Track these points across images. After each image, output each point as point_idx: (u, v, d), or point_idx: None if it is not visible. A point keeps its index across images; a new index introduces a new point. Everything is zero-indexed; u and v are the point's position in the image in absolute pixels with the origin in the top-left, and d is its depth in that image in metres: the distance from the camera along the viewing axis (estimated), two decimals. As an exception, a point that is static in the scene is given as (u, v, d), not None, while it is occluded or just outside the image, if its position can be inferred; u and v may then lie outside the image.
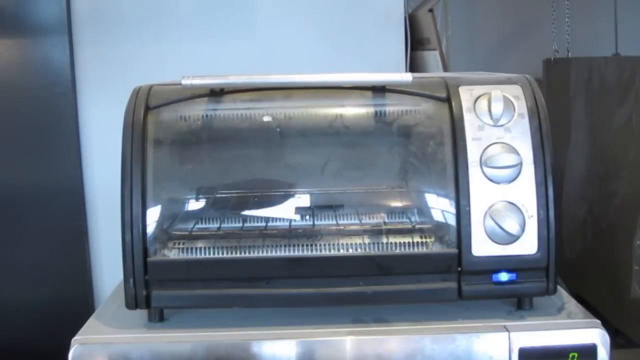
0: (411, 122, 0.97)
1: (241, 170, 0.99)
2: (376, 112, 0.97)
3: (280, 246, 0.92)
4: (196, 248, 0.92)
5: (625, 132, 1.41)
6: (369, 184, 0.99)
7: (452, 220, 0.90)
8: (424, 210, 0.96)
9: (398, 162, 0.98)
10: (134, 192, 0.88)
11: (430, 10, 1.81)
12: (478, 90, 0.93)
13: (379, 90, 0.96)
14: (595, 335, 0.87)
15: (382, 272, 0.90)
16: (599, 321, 0.89)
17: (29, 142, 1.57)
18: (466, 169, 0.90)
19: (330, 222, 0.95)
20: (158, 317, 0.93)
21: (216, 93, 0.95)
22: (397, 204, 0.99)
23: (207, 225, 0.96)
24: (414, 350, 0.86)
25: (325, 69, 0.94)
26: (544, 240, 0.89)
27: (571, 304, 0.96)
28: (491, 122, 0.91)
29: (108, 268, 1.62)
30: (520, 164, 0.90)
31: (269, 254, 0.91)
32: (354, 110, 0.98)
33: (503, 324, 0.88)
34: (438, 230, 0.92)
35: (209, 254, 0.91)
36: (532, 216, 0.89)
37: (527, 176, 0.90)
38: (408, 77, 0.92)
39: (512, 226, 0.88)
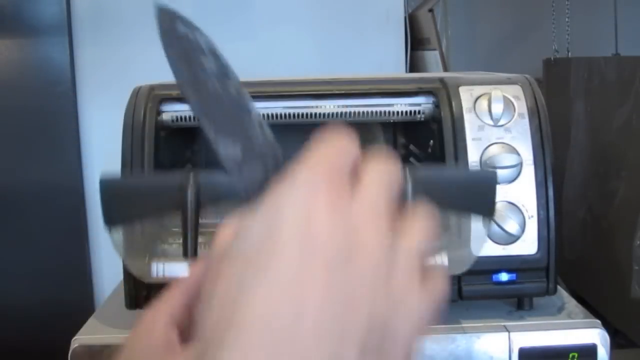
0: (411, 122, 0.97)
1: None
2: (376, 112, 0.97)
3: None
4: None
5: (625, 132, 1.41)
6: (369, 184, 0.98)
7: (452, 220, 0.90)
8: (424, 210, 0.95)
9: (398, 162, 0.98)
10: (134, 192, 0.88)
11: (430, 10, 1.81)
12: (478, 90, 0.93)
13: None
14: (595, 335, 0.86)
15: (382, 272, 0.90)
16: (599, 321, 0.89)
17: (29, 142, 1.57)
18: (466, 169, 0.90)
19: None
20: (158, 317, 0.92)
21: (216, 93, 0.94)
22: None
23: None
24: (414, 350, 0.86)
25: (325, 69, 0.94)
26: (544, 241, 0.89)
27: (571, 304, 0.96)
28: (491, 122, 0.91)
29: (108, 268, 1.62)
30: (520, 164, 0.89)
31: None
32: (354, 110, 0.98)
33: (503, 324, 0.88)
34: (438, 230, 0.92)
35: (209, 254, 0.91)
36: (532, 216, 0.89)
37: (527, 176, 0.89)
38: (408, 77, 0.92)
39: (512, 226, 0.88)
